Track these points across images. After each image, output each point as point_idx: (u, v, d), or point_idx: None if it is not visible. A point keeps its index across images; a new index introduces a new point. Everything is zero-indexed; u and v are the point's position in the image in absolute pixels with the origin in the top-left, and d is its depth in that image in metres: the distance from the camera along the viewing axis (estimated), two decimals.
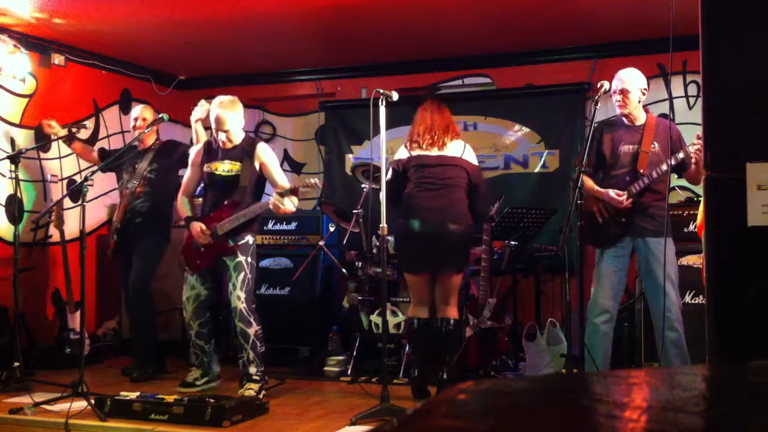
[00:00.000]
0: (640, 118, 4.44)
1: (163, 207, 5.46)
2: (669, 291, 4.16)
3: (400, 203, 4.70)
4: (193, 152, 4.95)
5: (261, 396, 4.55)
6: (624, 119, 4.46)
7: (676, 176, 4.58)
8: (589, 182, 4.41)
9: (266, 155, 4.76)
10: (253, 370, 4.64)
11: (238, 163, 4.70)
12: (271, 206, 4.58)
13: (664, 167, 4.26)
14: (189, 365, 4.99)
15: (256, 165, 4.72)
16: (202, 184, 4.98)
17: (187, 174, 4.96)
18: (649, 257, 4.29)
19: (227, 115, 4.70)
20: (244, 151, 4.72)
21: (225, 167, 4.73)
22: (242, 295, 4.62)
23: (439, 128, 4.68)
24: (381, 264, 4.34)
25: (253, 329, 4.64)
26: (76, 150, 5.90)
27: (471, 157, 4.72)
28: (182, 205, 4.88)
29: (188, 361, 5.04)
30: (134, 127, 5.51)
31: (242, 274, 4.64)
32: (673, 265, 4.30)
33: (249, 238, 4.72)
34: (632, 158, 4.37)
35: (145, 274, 5.35)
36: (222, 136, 4.74)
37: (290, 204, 4.56)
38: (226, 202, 4.69)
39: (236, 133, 4.78)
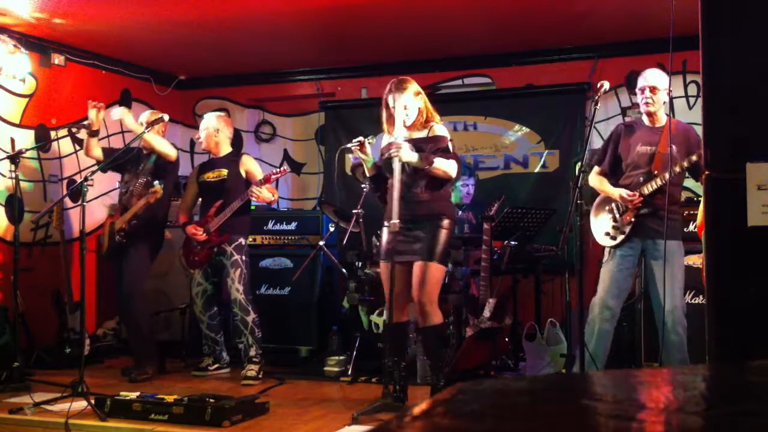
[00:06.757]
0: (661, 119, 4.42)
1: (159, 209, 5.44)
2: (676, 293, 4.15)
3: None
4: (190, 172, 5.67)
5: (260, 375, 5.15)
6: (645, 120, 4.43)
7: (693, 180, 4.56)
8: (605, 184, 4.43)
9: (251, 163, 5.46)
10: (253, 352, 5.24)
11: (225, 170, 5.39)
12: (248, 195, 5.18)
13: (678, 169, 4.24)
14: (187, 366, 5.56)
15: (242, 171, 5.41)
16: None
17: (187, 189, 5.65)
18: (657, 258, 4.25)
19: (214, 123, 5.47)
20: (231, 161, 5.43)
21: (214, 174, 5.40)
22: (240, 288, 5.23)
23: None
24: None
25: (251, 317, 5.24)
26: (92, 148, 5.40)
27: None
28: (180, 214, 5.55)
29: (188, 361, 5.68)
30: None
31: (239, 270, 5.25)
32: (680, 267, 4.28)
33: (241, 240, 5.32)
34: (648, 159, 4.35)
35: (137, 276, 5.33)
36: (202, 135, 5.47)
37: (266, 192, 5.17)
38: (215, 204, 5.28)
39: (211, 141, 5.43)
